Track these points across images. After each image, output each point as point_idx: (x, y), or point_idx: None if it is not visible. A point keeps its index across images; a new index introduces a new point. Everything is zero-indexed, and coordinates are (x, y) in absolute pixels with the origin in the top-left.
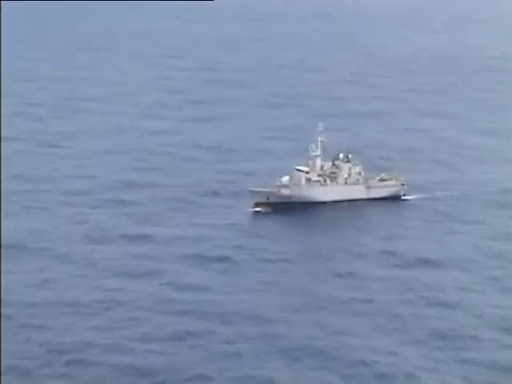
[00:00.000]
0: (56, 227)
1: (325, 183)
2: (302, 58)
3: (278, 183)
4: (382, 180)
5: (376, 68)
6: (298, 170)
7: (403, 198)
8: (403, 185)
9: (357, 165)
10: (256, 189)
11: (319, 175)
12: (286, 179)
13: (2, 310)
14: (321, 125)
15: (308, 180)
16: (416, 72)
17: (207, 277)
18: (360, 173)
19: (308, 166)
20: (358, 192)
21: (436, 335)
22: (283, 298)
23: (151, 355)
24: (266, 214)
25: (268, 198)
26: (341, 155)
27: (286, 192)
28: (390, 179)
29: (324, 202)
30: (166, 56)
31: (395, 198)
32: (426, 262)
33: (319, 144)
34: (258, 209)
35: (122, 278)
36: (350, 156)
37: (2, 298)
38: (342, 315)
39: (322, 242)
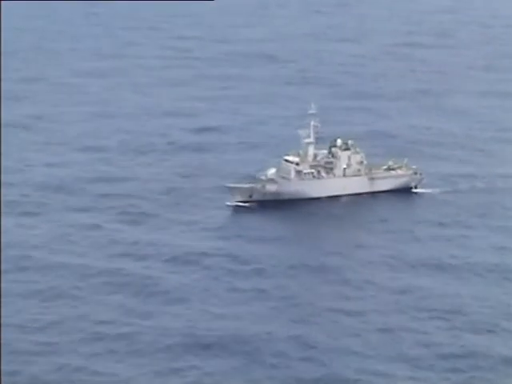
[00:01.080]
0: None
1: (319, 176)
2: (333, 25)
3: (263, 177)
4: (388, 169)
5: (422, 36)
6: (287, 160)
7: (415, 190)
8: (416, 174)
9: (358, 153)
10: (235, 185)
11: (312, 166)
12: (272, 172)
13: None
14: (313, 106)
15: (298, 172)
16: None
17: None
18: (362, 162)
19: (299, 155)
20: (360, 185)
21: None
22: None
23: None
24: (249, 209)
25: (251, 196)
26: (338, 141)
27: (272, 188)
28: (399, 168)
29: (318, 198)
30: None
31: (405, 191)
32: (438, 268)
33: (312, 129)
34: (240, 203)
35: None
36: (350, 142)
37: (1, 297)
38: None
39: (312, 245)
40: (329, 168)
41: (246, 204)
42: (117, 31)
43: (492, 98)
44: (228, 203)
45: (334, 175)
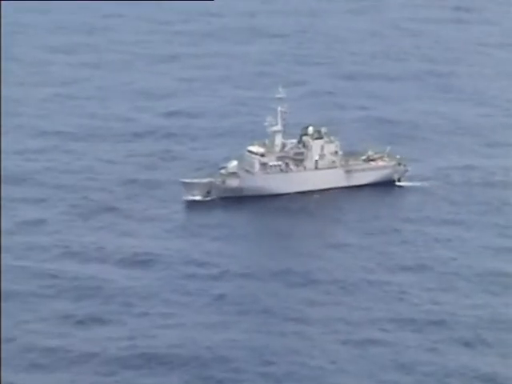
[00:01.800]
0: None
1: (287, 168)
2: None
3: (223, 171)
4: (368, 160)
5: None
6: (250, 151)
7: (399, 183)
8: (399, 165)
9: (332, 142)
10: (191, 180)
11: (279, 158)
12: (233, 165)
13: None
14: (281, 89)
15: (263, 165)
16: None
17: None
18: (336, 152)
19: (264, 145)
20: (335, 178)
21: None
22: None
23: None
24: (208, 205)
25: (209, 192)
26: (310, 129)
27: (233, 183)
28: (380, 158)
29: (287, 195)
30: None
31: (387, 184)
32: (420, 272)
33: (279, 115)
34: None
35: None
36: (323, 130)
37: (1, 297)
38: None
39: (277, 245)
40: (298, 160)
41: (206, 198)
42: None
43: (505, 80)
44: (185, 198)
45: (305, 168)
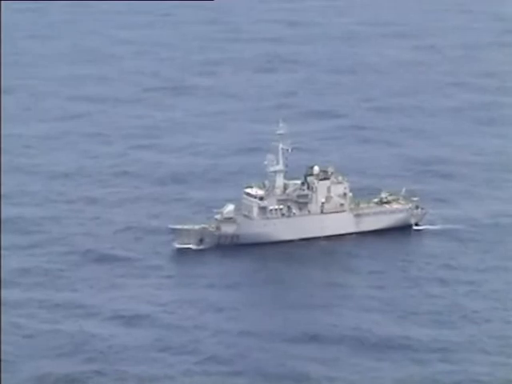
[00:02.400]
0: None
1: (289, 213)
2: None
3: (218, 216)
4: (381, 203)
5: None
6: (248, 194)
7: (416, 227)
8: (417, 208)
9: (340, 183)
10: (182, 226)
11: (280, 201)
12: (229, 209)
13: None
14: (282, 125)
15: (263, 209)
16: None
17: None
18: (345, 194)
19: (264, 187)
20: (343, 223)
21: None
22: None
23: None
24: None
25: (201, 241)
26: (315, 169)
27: (229, 229)
28: (395, 201)
29: (289, 242)
30: None
31: (403, 229)
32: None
33: (281, 154)
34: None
35: None
36: (330, 170)
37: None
38: None
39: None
40: (302, 203)
41: (199, 247)
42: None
43: None
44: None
45: (309, 212)
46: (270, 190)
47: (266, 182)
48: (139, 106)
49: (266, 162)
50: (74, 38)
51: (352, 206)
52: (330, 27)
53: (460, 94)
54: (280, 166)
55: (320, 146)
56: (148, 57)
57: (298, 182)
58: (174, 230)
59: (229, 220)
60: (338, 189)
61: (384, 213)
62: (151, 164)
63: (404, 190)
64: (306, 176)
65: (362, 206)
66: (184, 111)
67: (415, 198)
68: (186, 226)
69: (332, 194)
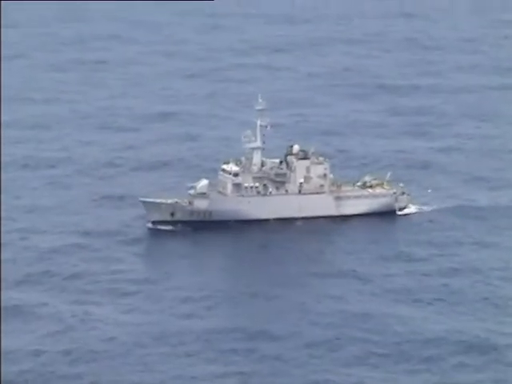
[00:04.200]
0: None
1: (265, 191)
2: None
3: (192, 191)
4: (364, 187)
5: None
6: (224, 170)
7: (400, 212)
8: (404, 194)
9: (321, 163)
10: (153, 200)
11: (256, 179)
12: (203, 184)
13: None
14: (261, 100)
15: (237, 186)
16: None
17: None
18: (325, 175)
19: (240, 163)
20: (322, 205)
21: None
22: None
23: None
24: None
25: (173, 215)
26: (295, 147)
27: (201, 205)
28: (379, 185)
29: (264, 221)
30: None
31: (386, 214)
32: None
33: (259, 130)
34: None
35: None
36: (311, 150)
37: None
38: None
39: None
40: (280, 182)
41: (168, 227)
42: None
43: None
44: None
45: (287, 192)
46: (245, 167)
47: (243, 159)
48: None
49: (243, 139)
50: None
51: (333, 188)
52: None
53: None
54: (257, 143)
55: None
56: None
57: (277, 160)
58: (144, 204)
59: (202, 195)
60: (318, 169)
61: (366, 197)
62: None
63: (389, 174)
64: (286, 155)
65: (343, 189)
66: None
67: (401, 184)
68: (157, 200)
69: (311, 175)
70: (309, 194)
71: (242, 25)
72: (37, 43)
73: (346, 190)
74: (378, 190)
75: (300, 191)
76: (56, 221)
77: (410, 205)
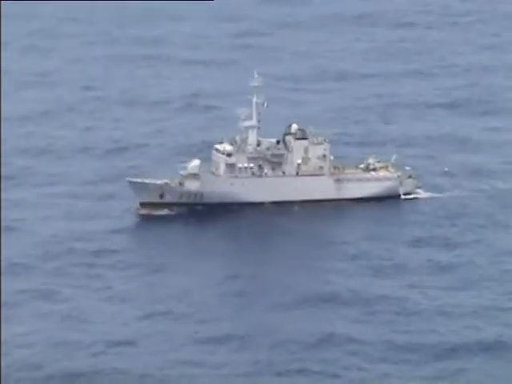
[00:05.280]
0: None
1: (260, 173)
2: None
3: (182, 172)
4: (367, 169)
5: None
6: (217, 150)
7: (405, 197)
8: (410, 177)
9: (320, 143)
10: (141, 180)
11: (251, 159)
12: (194, 165)
13: None
14: (257, 75)
15: (230, 167)
16: None
17: None
18: (324, 156)
19: (235, 143)
20: (321, 188)
21: None
22: None
23: None
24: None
25: (162, 197)
26: (293, 126)
27: (192, 186)
28: (383, 168)
29: (259, 204)
30: None
31: (389, 199)
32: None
33: (254, 108)
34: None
35: None
36: (310, 129)
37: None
38: None
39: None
40: (276, 163)
41: (158, 213)
42: None
43: None
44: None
45: (284, 173)
46: (240, 147)
47: (237, 138)
48: None
49: (239, 116)
50: None
51: (333, 170)
52: None
53: None
54: (253, 122)
55: None
56: None
57: (274, 140)
58: (131, 184)
59: (193, 176)
60: (317, 150)
61: (369, 180)
62: None
63: (394, 157)
64: (284, 135)
65: (344, 171)
66: None
67: (408, 168)
68: (146, 180)
69: (310, 156)
70: (307, 176)
71: None
72: None
73: (347, 172)
74: (382, 173)
75: (298, 173)
76: None
77: (418, 190)
